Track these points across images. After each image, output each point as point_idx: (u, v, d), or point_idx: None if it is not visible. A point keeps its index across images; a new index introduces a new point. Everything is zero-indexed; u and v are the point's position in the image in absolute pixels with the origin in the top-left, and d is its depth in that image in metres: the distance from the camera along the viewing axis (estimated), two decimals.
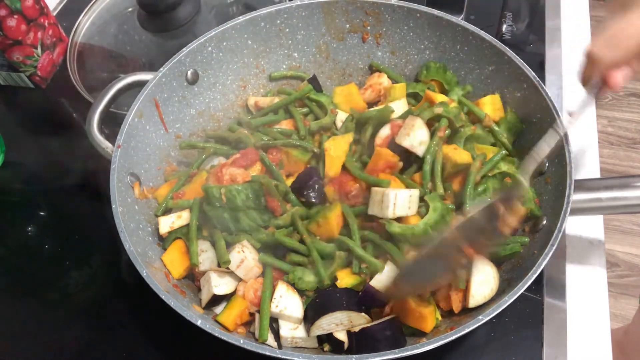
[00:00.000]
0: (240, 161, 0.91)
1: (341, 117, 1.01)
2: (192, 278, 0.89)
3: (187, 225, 0.88)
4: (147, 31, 1.28)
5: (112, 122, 0.96)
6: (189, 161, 1.01)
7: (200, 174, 0.94)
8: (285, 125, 1.01)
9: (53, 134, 1.24)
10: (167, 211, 0.92)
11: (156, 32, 1.28)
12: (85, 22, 1.33)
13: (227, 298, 0.84)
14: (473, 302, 0.79)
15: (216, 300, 0.83)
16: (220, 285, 0.82)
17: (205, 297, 0.83)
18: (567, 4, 1.36)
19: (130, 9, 1.35)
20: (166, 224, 0.88)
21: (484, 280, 0.79)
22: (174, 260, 0.86)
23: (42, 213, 1.12)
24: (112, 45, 1.31)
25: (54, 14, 1.43)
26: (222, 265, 0.83)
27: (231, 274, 0.84)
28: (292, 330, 0.81)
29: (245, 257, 0.83)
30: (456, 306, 0.79)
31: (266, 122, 1.01)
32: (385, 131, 0.92)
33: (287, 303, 0.80)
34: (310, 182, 0.87)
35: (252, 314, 0.84)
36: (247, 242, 0.85)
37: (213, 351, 0.87)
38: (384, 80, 1.06)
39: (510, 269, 0.83)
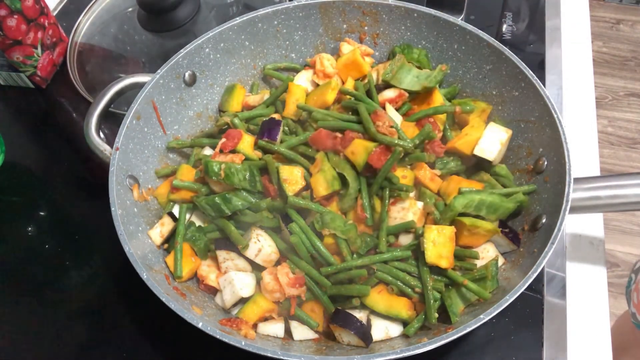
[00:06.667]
0: (227, 143, 0.91)
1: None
2: (197, 280, 0.89)
3: (187, 227, 0.89)
4: (147, 31, 1.28)
5: (112, 123, 0.96)
6: (186, 161, 1.01)
7: (182, 168, 0.94)
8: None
9: (53, 134, 1.24)
10: (151, 223, 0.91)
11: (156, 32, 1.28)
12: (85, 22, 1.34)
13: (244, 300, 0.85)
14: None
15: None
16: (244, 287, 0.84)
17: (229, 298, 0.84)
18: (567, 4, 1.37)
19: (130, 9, 1.35)
20: (156, 235, 0.89)
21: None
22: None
23: (42, 213, 1.12)
24: (112, 45, 1.31)
25: (54, 14, 1.43)
26: (242, 250, 0.85)
27: (250, 273, 0.86)
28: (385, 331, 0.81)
29: (262, 245, 0.84)
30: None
31: (254, 116, 1.00)
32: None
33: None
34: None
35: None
36: (261, 230, 0.86)
37: (213, 351, 0.87)
38: (327, 64, 1.05)
39: (510, 267, 0.83)
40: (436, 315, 0.79)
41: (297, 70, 1.10)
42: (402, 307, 0.81)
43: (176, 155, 1.01)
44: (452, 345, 0.87)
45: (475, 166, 0.94)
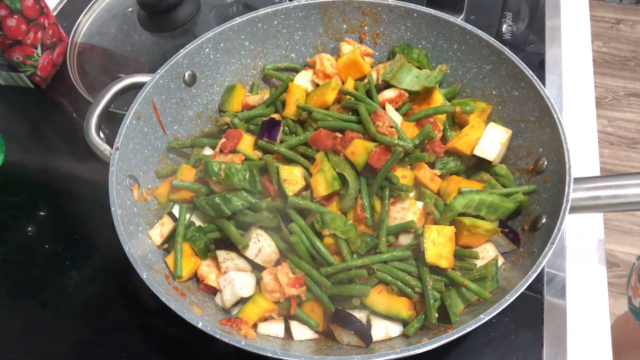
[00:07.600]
0: (227, 143, 0.91)
1: None
2: (197, 280, 0.89)
3: (187, 227, 0.89)
4: (147, 31, 1.28)
5: (112, 123, 0.95)
6: (186, 161, 1.01)
7: (182, 168, 0.94)
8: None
9: (53, 134, 1.24)
10: (151, 223, 0.92)
11: (156, 32, 1.28)
12: (85, 22, 1.34)
13: (244, 300, 0.85)
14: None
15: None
16: (244, 287, 0.84)
17: (229, 298, 0.84)
18: (567, 4, 1.37)
19: (130, 9, 1.35)
20: (156, 235, 0.89)
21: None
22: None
23: (42, 213, 1.12)
24: (112, 45, 1.31)
25: (54, 14, 1.43)
26: (242, 250, 0.85)
27: (250, 273, 0.86)
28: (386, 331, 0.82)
29: (262, 245, 0.84)
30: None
31: (254, 116, 1.00)
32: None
33: None
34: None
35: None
36: (261, 230, 0.86)
37: (212, 351, 0.87)
38: (327, 64, 1.05)
39: (510, 267, 0.83)
40: (436, 315, 0.79)
41: (297, 70, 1.09)
42: (402, 307, 0.82)
43: (176, 155, 1.01)
44: (452, 345, 0.87)
45: (475, 166, 0.94)
